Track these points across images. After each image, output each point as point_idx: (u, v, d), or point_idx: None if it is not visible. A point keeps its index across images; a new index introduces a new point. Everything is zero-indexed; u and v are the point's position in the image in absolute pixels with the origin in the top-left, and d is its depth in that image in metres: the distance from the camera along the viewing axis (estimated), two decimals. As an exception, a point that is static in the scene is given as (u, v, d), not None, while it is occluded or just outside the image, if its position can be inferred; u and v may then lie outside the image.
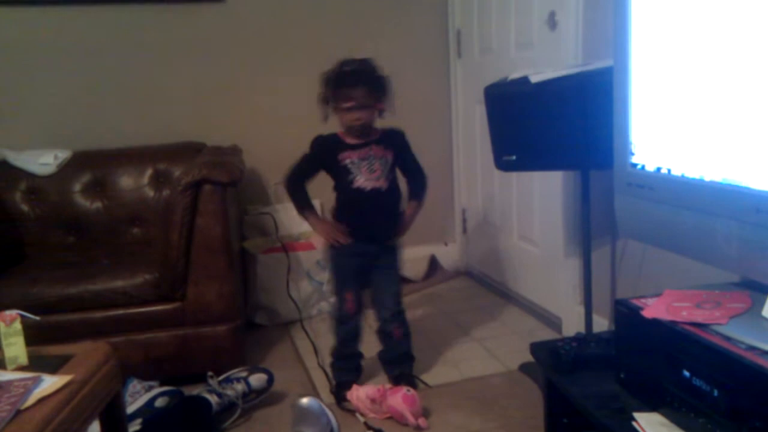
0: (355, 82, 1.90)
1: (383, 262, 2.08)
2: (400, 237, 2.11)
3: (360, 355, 2.15)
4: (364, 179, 1.98)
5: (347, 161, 1.98)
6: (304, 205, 2.06)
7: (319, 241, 2.70)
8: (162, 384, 2.02)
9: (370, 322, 2.20)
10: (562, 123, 1.70)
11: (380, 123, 2.04)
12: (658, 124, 1.30)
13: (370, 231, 2.04)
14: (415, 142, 2.12)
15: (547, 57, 2.36)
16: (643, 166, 1.35)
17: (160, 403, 1.90)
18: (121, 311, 2.11)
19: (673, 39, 1.24)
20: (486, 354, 2.36)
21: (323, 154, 2.01)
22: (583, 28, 2.18)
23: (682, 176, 1.25)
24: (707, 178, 1.18)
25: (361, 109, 1.92)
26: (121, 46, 2.83)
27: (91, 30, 2.79)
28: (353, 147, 1.99)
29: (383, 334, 2.13)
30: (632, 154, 1.38)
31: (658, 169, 1.31)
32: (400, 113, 2.02)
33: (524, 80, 1.77)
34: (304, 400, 1.72)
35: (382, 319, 2.11)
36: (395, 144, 2.04)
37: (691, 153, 1.22)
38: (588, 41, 2.17)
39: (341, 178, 2.00)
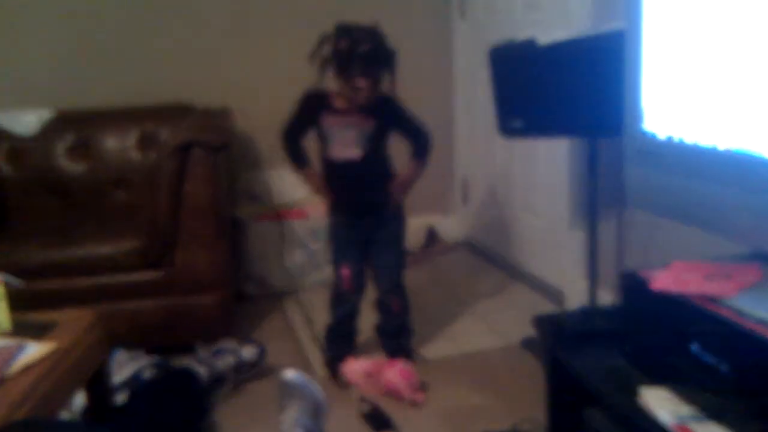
0: (369, 66, 1.82)
1: (382, 234, 2.03)
2: (395, 203, 2.04)
3: (355, 332, 2.11)
4: (335, 149, 1.94)
5: (327, 126, 1.94)
6: (298, 161, 2.03)
7: (313, 210, 2.66)
8: (148, 353, 1.98)
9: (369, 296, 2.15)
10: (570, 88, 1.66)
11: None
12: (670, 90, 1.27)
13: (353, 202, 2.00)
14: (413, 107, 2.05)
15: (555, 19, 2.30)
16: (654, 134, 1.31)
17: (147, 374, 1.87)
18: (106, 278, 2.07)
19: (686, 1, 1.20)
20: (486, 328, 2.33)
21: (309, 111, 1.96)
22: (593, -10, 2.13)
23: (695, 144, 1.22)
24: (721, 147, 1.15)
25: (370, 88, 1.86)
26: (106, 2, 2.74)
27: (76, -14, 2.71)
28: (338, 111, 1.93)
29: (381, 306, 2.09)
30: (643, 121, 1.34)
31: (670, 137, 1.28)
32: (397, 76, 1.95)
33: (531, 43, 1.72)
34: (288, 375, 1.68)
35: (381, 291, 2.07)
36: (380, 111, 1.95)
37: (704, 121, 1.19)
38: (598, 3, 2.11)
39: (321, 143, 1.97)
